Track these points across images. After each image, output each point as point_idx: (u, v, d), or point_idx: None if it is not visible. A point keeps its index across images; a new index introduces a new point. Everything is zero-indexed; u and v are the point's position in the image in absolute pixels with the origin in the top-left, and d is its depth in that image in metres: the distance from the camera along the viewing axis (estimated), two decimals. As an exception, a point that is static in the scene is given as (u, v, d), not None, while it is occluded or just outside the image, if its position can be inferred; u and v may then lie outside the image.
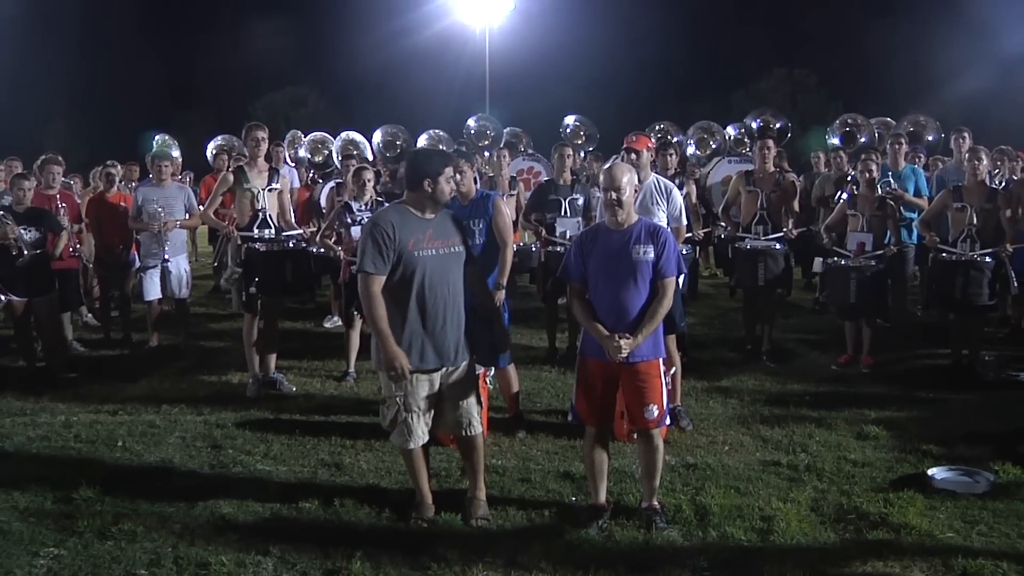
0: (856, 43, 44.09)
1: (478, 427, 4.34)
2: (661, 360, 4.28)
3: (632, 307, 4.16)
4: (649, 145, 5.94)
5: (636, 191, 4.24)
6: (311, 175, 11.93)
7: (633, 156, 5.67)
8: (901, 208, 7.71)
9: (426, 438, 4.27)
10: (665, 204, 5.73)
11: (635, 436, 4.58)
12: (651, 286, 4.17)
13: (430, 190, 4.15)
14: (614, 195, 4.18)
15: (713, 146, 13.13)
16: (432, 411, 4.26)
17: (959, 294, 6.72)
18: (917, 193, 8.17)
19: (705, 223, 9.57)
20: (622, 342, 4.08)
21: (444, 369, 4.23)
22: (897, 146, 8.52)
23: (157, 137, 13.10)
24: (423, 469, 4.35)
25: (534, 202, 7.73)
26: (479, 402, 4.43)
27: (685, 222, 5.97)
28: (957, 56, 36.80)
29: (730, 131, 13.42)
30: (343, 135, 13.02)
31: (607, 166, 4.65)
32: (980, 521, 4.26)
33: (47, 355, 7.23)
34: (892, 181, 7.64)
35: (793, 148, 14.75)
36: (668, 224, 5.65)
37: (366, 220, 6.61)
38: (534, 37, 41.12)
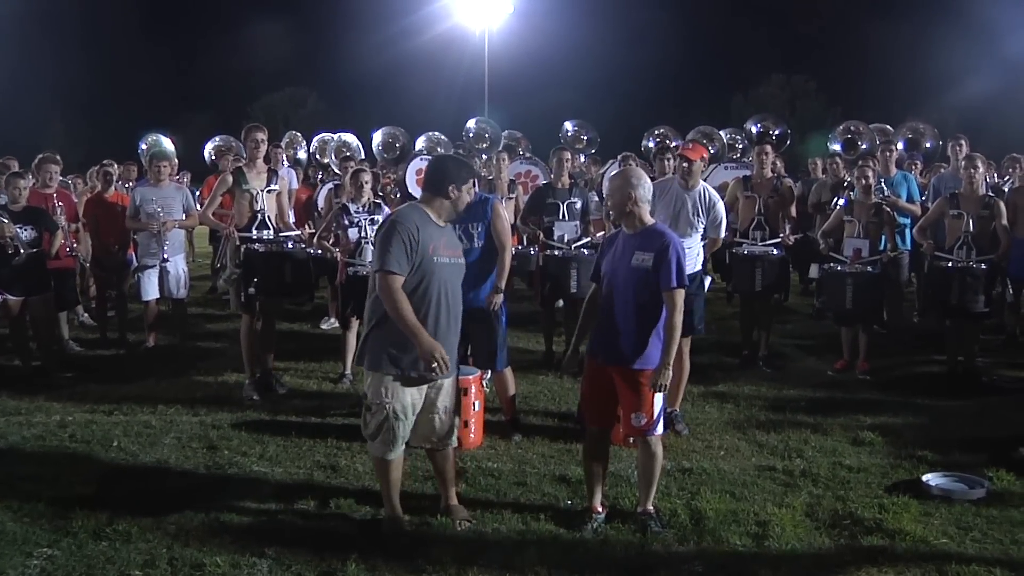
0: (855, 50, 44.30)
1: (453, 441, 4.32)
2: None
3: (617, 312, 4.12)
4: (704, 155, 5.87)
5: (636, 198, 4.15)
6: (319, 176, 11.93)
7: (685, 164, 5.65)
8: (895, 214, 7.73)
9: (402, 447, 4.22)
10: (705, 216, 5.68)
11: (631, 441, 4.58)
12: (648, 295, 4.09)
13: (453, 196, 4.14)
14: (610, 202, 4.18)
15: (712, 151, 13.09)
16: (413, 421, 4.19)
17: (955, 300, 6.74)
18: (909, 199, 8.19)
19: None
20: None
21: (432, 382, 4.16)
22: (888, 153, 8.53)
23: (152, 137, 12.93)
24: (398, 482, 4.27)
25: (532, 206, 7.73)
26: (459, 415, 4.40)
27: (723, 234, 5.93)
28: (955, 63, 36.98)
29: (752, 129, 13.24)
30: (335, 136, 13.01)
31: (612, 173, 4.63)
32: (974, 527, 4.27)
33: (43, 355, 7.22)
34: (885, 188, 7.66)
35: (792, 154, 14.73)
36: (705, 235, 5.66)
37: (363, 222, 6.67)
38: (533, 40, 41.30)
